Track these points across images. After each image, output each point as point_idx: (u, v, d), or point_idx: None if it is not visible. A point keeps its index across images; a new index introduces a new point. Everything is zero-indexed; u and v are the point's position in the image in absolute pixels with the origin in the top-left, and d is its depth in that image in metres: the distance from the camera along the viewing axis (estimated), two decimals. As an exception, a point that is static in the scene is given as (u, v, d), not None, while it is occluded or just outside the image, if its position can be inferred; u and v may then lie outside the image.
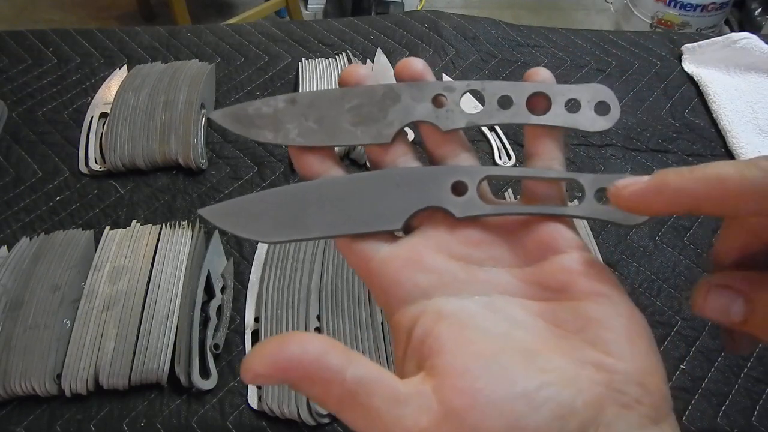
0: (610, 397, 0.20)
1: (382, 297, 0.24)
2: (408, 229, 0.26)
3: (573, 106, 0.26)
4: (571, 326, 0.22)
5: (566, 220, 0.25)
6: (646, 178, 0.21)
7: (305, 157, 0.27)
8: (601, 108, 0.26)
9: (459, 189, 0.25)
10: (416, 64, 0.27)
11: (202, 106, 0.77)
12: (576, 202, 0.26)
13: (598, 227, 0.69)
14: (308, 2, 2.04)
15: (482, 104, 0.27)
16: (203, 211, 0.26)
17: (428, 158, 0.28)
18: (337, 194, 0.26)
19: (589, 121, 0.26)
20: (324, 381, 0.19)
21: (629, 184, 0.21)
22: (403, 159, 0.27)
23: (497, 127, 0.78)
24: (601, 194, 0.25)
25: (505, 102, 0.26)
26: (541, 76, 0.27)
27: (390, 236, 0.25)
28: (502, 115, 0.26)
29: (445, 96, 0.27)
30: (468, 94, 0.27)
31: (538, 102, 0.26)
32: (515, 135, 0.79)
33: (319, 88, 0.80)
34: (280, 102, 0.27)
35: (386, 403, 0.19)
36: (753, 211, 0.19)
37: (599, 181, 0.25)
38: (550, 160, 0.26)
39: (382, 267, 0.24)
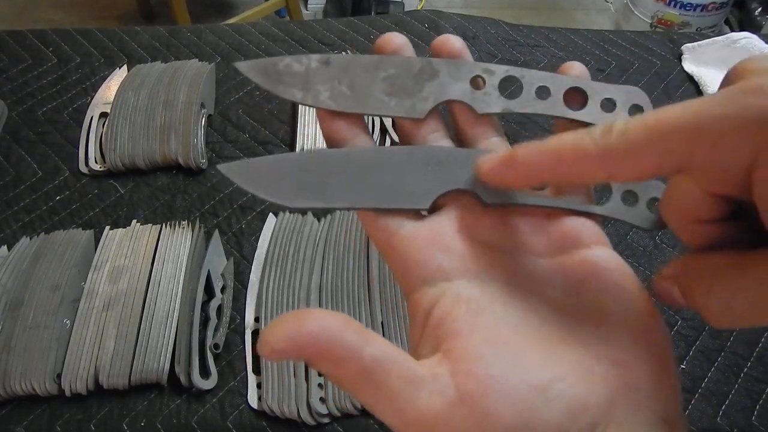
0: (623, 394, 0.20)
1: (401, 274, 0.24)
2: (433, 208, 0.25)
3: (608, 105, 0.26)
4: (589, 320, 0.22)
5: (593, 216, 0.25)
6: (500, 154, 0.22)
7: (334, 121, 0.26)
8: (635, 111, 0.26)
9: None
10: (455, 42, 0.26)
11: (202, 105, 0.77)
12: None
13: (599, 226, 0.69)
14: (308, 2, 2.04)
15: (519, 92, 0.26)
16: (222, 167, 0.25)
17: (457, 138, 0.27)
18: (364, 165, 0.25)
19: None
20: (340, 359, 0.19)
21: (487, 160, 0.22)
22: (435, 136, 0.26)
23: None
24: (628, 196, 0.25)
25: (542, 93, 0.26)
26: (577, 70, 0.26)
27: (415, 214, 0.25)
28: (538, 105, 0.26)
29: (483, 78, 0.26)
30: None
31: (575, 97, 0.26)
32: (515, 135, 0.79)
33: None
34: (313, 61, 0.26)
35: (401, 383, 0.19)
36: (597, 177, 0.20)
37: (627, 183, 0.25)
38: None
39: (405, 244, 0.24)
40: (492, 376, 0.19)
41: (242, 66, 0.26)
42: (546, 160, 0.20)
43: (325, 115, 0.26)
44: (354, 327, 0.20)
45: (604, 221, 0.25)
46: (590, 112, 0.26)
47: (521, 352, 0.20)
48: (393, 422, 0.19)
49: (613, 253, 0.24)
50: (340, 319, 0.20)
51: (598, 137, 0.19)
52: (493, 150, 0.26)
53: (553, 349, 0.21)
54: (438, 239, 0.24)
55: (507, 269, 0.23)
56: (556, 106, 0.26)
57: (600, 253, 0.23)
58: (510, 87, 0.27)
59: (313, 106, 0.26)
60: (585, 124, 0.26)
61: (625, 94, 0.26)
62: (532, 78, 0.26)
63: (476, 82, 0.26)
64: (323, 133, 0.26)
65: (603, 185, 0.25)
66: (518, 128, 0.80)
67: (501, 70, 0.26)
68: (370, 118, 0.76)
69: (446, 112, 0.27)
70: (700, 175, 0.18)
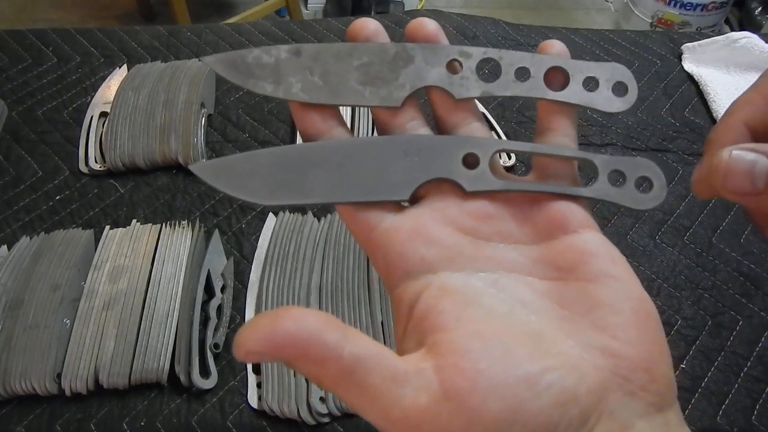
0: (615, 383, 0.19)
1: (384, 269, 0.23)
2: (414, 199, 0.24)
3: (591, 84, 0.25)
4: (578, 308, 0.21)
5: (578, 199, 0.24)
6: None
7: (308, 114, 0.25)
8: (619, 88, 0.25)
9: (470, 161, 0.24)
10: (430, 25, 0.26)
11: (202, 105, 0.77)
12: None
13: (599, 225, 0.69)
14: (308, 2, 2.04)
15: (498, 75, 0.25)
16: (194, 167, 0.24)
17: (437, 125, 0.26)
18: (341, 158, 0.24)
19: (606, 101, 0.25)
20: (320, 359, 0.19)
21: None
22: (413, 125, 0.25)
23: (497, 127, 0.78)
24: (615, 176, 0.25)
25: (522, 74, 0.25)
26: (556, 49, 0.26)
27: (395, 205, 0.24)
28: (518, 88, 0.25)
29: (460, 62, 0.25)
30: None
31: (556, 77, 0.25)
32: (516, 135, 0.79)
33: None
34: (282, 52, 0.25)
35: (384, 381, 0.19)
36: None
37: (613, 162, 0.25)
38: (563, 137, 0.25)
39: (386, 237, 0.23)
40: (479, 370, 0.19)
41: (210, 60, 0.25)
42: None
43: (299, 108, 0.25)
44: (333, 325, 0.19)
45: (597, 210, 0.25)
46: (572, 91, 0.25)
47: (508, 344, 0.19)
48: (378, 422, 0.19)
49: (601, 238, 0.23)
50: (319, 317, 0.19)
51: None
52: (472, 135, 0.25)
53: (542, 339, 0.20)
54: (420, 231, 0.23)
55: (492, 259, 0.23)
56: (536, 88, 0.25)
57: (588, 238, 0.23)
58: (488, 70, 0.26)
59: (286, 100, 0.25)
60: (568, 104, 0.25)
61: (607, 71, 0.25)
62: (510, 59, 0.25)
63: (453, 66, 0.25)
64: (297, 127, 0.26)
65: (588, 164, 0.25)
66: (518, 128, 0.80)
67: (478, 53, 0.25)
68: (366, 112, 0.76)
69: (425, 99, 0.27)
70: None
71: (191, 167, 0.24)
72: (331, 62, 0.25)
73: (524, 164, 0.75)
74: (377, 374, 0.19)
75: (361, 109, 0.76)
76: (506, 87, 0.25)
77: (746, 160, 0.20)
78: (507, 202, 0.24)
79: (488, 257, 0.23)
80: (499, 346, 0.19)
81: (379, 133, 0.26)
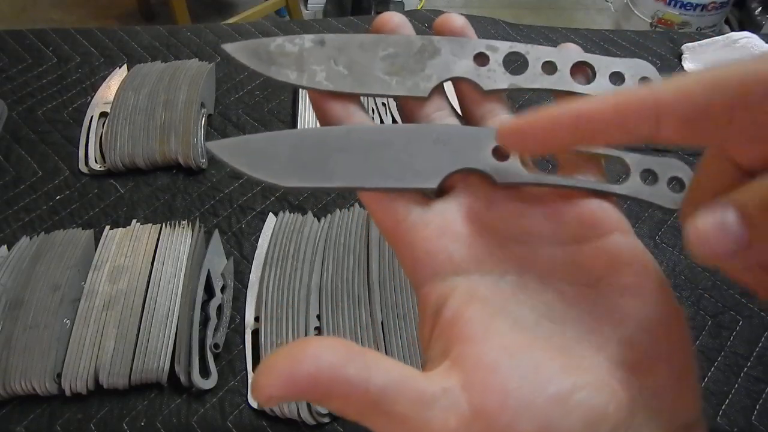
0: (643, 401, 0.19)
1: (410, 266, 0.23)
2: (441, 189, 0.24)
3: (616, 79, 0.26)
4: (608, 322, 0.20)
5: (610, 198, 0.23)
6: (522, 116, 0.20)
7: (328, 102, 0.24)
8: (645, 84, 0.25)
9: (502, 153, 0.23)
10: (457, 20, 0.26)
11: (202, 105, 0.77)
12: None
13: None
14: (308, 2, 2.04)
15: (525, 68, 0.26)
16: (211, 145, 0.23)
17: (464, 117, 0.26)
18: (367, 143, 0.23)
19: None
20: (344, 394, 0.18)
21: (507, 121, 0.20)
22: (440, 114, 0.25)
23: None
24: (646, 175, 0.24)
25: (549, 68, 0.25)
26: (571, 49, 0.26)
27: (422, 197, 0.23)
28: (545, 81, 0.25)
29: (487, 55, 0.25)
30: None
31: (583, 71, 0.26)
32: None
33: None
34: (307, 41, 0.24)
35: (412, 406, 0.18)
36: (643, 131, 0.17)
37: (645, 162, 0.24)
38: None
39: (413, 232, 0.22)
40: (508, 390, 0.18)
41: (230, 48, 0.24)
42: (595, 112, 0.18)
43: (319, 96, 0.24)
44: (354, 356, 0.18)
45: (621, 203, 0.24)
46: (599, 86, 0.25)
47: (538, 360, 0.19)
48: None
49: (634, 243, 0.22)
50: (338, 349, 0.18)
51: (646, 88, 0.17)
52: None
53: (571, 353, 0.19)
54: (449, 227, 0.22)
55: (520, 262, 0.22)
56: (563, 81, 0.25)
57: (621, 243, 0.22)
58: (515, 63, 0.26)
59: (309, 88, 0.24)
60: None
61: (633, 67, 0.25)
62: (537, 53, 0.25)
63: (480, 59, 0.25)
64: (317, 115, 0.25)
65: (620, 165, 0.25)
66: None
67: (505, 46, 0.25)
68: (371, 113, 0.76)
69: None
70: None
71: (208, 144, 0.23)
72: (356, 52, 0.25)
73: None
74: (403, 401, 0.18)
75: (372, 116, 0.75)
76: (533, 80, 0.25)
77: (715, 222, 0.17)
78: (537, 201, 0.23)
79: (517, 258, 0.22)
80: (529, 361, 0.19)
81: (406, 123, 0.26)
